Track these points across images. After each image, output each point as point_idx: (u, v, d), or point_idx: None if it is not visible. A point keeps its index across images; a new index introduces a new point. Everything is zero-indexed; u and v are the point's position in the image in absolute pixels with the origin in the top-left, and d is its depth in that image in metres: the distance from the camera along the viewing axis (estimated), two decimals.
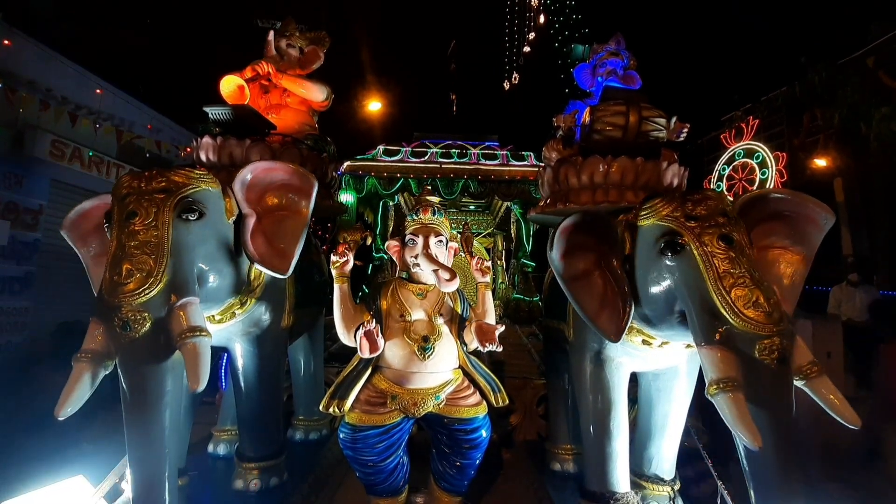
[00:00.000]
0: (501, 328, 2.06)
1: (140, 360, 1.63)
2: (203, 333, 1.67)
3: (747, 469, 1.62)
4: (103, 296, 1.64)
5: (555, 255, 2.09)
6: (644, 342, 2.08)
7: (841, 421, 1.56)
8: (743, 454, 1.61)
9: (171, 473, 1.68)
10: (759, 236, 1.88)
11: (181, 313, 1.67)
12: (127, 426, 1.62)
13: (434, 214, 2.26)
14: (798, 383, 1.61)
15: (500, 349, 2.04)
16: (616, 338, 1.91)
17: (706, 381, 1.62)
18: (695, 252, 1.71)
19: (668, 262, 1.79)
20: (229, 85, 3.20)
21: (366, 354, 1.98)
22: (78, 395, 1.58)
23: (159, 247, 1.70)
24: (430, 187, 3.14)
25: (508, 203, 6.63)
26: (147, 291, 1.63)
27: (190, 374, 1.62)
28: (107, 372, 1.66)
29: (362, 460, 2.09)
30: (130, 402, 1.62)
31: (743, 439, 1.49)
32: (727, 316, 1.61)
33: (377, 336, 1.98)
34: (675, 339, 1.99)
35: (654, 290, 1.85)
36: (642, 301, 1.91)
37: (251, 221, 2.10)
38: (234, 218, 2.08)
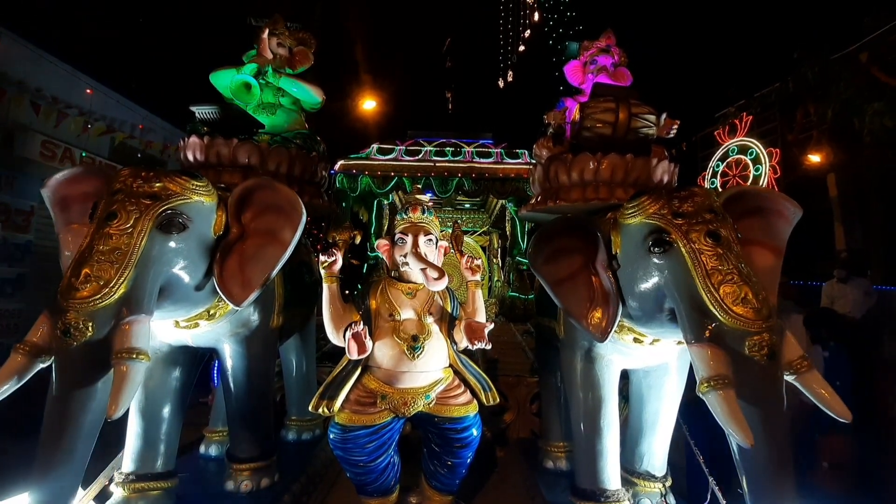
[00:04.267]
0: (490, 326, 2.04)
1: (73, 368, 1.59)
2: (140, 357, 1.62)
3: (740, 465, 1.62)
4: (56, 295, 1.61)
5: (537, 261, 2.09)
6: (635, 340, 2.07)
7: (831, 414, 1.57)
8: (735, 451, 1.61)
9: (75, 485, 1.64)
10: (739, 231, 1.90)
11: (126, 329, 1.62)
12: (44, 428, 1.57)
13: (423, 213, 2.24)
14: (788, 378, 1.61)
15: (489, 346, 2.02)
16: (603, 338, 1.90)
17: (697, 378, 1.62)
18: (682, 249, 1.71)
19: (657, 261, 1.78)
20: (233, 80, 3.13)
21: (354, 356, 1.98)
22: (6, 385, 1.55)
23: (126, 256, 1.66)
24: (419, 186, 3.11)
25: (503, 201, 6.63)
26: (98, 301, 1.59)
27: (112, 395, 1.55)
28: (43, 366, 1.62)
29: (353, 461, 2.08)
30: (53, 407, 1.58)
31: (735, 437, 1.49)
32: (716, 313, 1.61)
33: (365, 338, 1.96)
34: (665, 337, 1.98)
35: (643, 288, 1.84)
36: (631, 299, 1.91)
37: (233, 239, 2.04)
38: (221, 233, 2.02)
